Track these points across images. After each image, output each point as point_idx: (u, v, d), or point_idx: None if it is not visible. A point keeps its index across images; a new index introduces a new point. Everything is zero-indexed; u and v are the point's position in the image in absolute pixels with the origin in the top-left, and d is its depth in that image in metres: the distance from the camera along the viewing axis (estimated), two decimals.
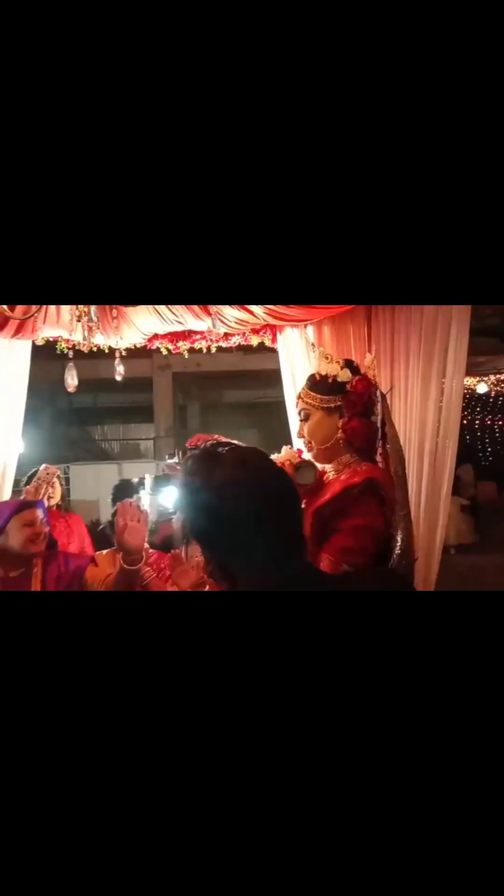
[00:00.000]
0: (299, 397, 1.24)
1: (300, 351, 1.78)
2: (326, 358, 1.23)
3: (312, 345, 1.53)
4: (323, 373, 1.21)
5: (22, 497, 1.68)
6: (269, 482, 0.57)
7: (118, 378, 1.83)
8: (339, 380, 1.19)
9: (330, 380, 1.19)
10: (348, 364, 1.22)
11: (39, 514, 1.36)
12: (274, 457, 1.23)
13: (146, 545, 1.36)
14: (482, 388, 6.16)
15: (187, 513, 0.59)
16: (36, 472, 1.83)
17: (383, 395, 1.20)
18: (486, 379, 6.09)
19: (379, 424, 1.18)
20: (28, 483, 1.76)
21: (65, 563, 1.44)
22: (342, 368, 1.20)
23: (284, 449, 1.25)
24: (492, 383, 6.22)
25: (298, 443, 1.29)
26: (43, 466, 1.78)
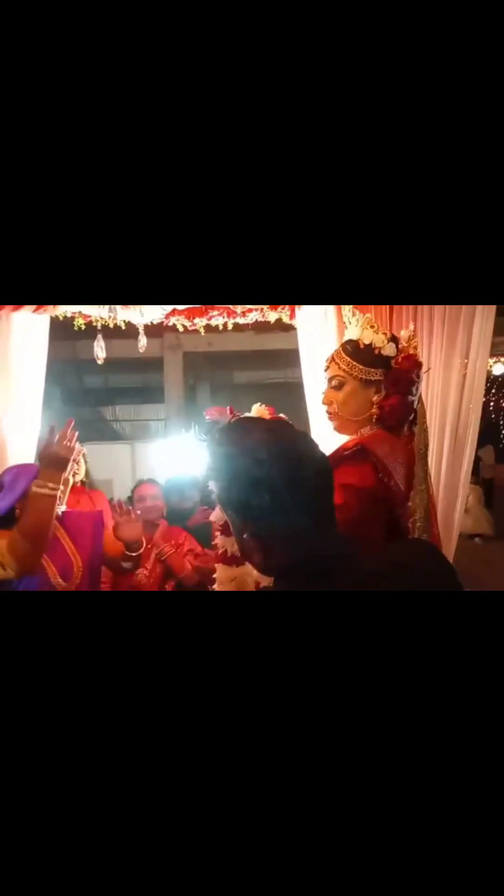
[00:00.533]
0: (333, 361, 1.16)
1: (319, 329, 1.74)
2: (372, 327, 1.15)
3: (353, 311, 1.45)
4: (367, 342, 1.13)
5: None
6: (300, 449, 0.58)
7: (141, 350, 1.81)
8: (384, 353, 1.12)
9: (376, 351, 1.12)
10: (392, 337, 1.16)
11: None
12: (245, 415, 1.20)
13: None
14: (499, 370, 6.02)
15: (220, 481, 0.59)
16: None
17: (422, 374, 1.16)
18: (503, 360, 5.94)
19: (416, 405, 1.15)
20: None
21: (80, 518, 1.48)
22: (389, 341, 1.13)
23: (255, 407, 1.16)
24: None
25: (319, 411, 1.24)
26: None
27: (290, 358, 1.88)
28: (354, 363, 1.12)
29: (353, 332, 1.18)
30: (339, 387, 1.14)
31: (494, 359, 5.78)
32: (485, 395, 1.84)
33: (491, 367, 5.82)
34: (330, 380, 1.17)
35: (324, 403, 1.18)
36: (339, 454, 1.06)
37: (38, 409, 1.80)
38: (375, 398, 1.12)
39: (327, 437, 1.25)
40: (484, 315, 1.60)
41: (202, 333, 2.02)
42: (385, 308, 1.67)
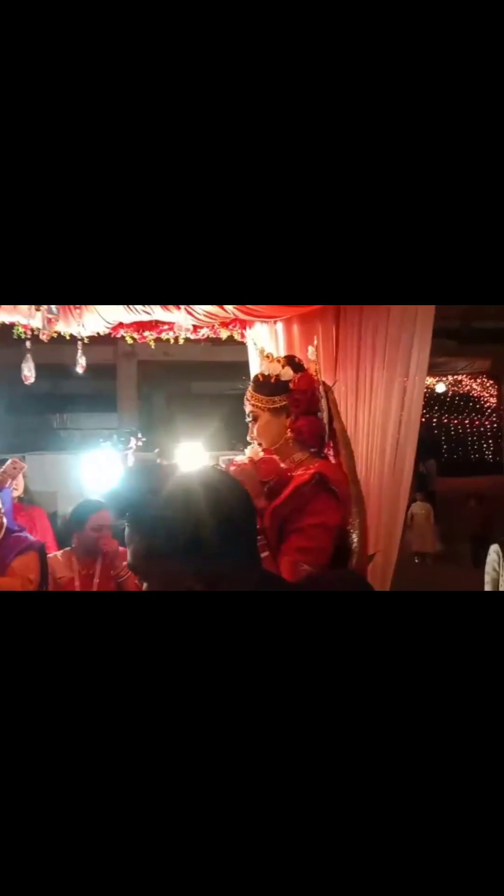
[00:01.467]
0: (246, 399, 1.23)
1: (269, 346, 1.79)
2: (268, 357, 1.23)
3: (254, 343, 1.52)
4: (266, 373, 1.20)
5: None
6: (218, 496, 0.57)
7: (80, 370, 1.77)
8: (282, 378, 1.18)
9: (273, 379, 1.18)
10: (290, 361, 1.22)
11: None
12: (239, 458, 1.23)
13: None
14: (440, 388, 6.42)
15: (135, 543, 0.58)
16: None
17: (328, 389, 1.20)
18: (444, 379, 6.35)
19: (326, 420, 1.19)
20: None
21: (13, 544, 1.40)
22: (283, 367, 1.19)
23: (249, 448, 1.22)
24: (449, 384, 6.50)
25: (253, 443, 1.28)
26: (10, 460, 1.70)
27: (247, 371, 1.90)
28: (259, 396, 1.19)
29: (256, 366, 1.26)
30: (255, 420, 1.20)
31: (437, 378, 6.16)
32: (427, 412, 1.94)
33: (434, 386, 6.20)
34: (248, 416, 1.24)
35: (250, 439, 1.24)
36: (300, 489, 1.05)
37: None
38: (287, 422, 1.18)
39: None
40: (421, 336, 1.71)
41: (152, 346, 2.00)
42: (332, 327, 1.75)
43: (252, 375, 1.25)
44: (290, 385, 1.18)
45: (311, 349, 1.26)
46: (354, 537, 1.13)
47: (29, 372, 1.63)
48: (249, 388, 1.22)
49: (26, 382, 1.65)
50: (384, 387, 1.70)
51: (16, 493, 1.86)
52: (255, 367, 1.80)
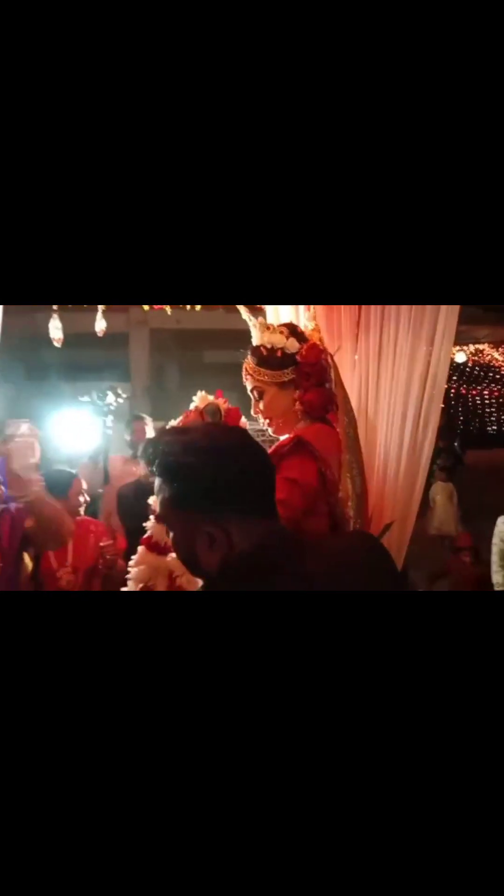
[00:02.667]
0: (247, 373, 1.17)
1: (288, 309, 1.72)
2: (268, 328, 1.16)
3: (249, 315, 1.46)
4: (269, 345, 1.14)
5: None
6: (238, 445, 0.62)
7: (99, 334, 1.73)
8: (288, 351, 1.13)
9: (278, 353, 1.13)
10: (293, 331, 1.16)
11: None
12: (191, 406, 1.21)
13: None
14: (461, 357, 6.23)
15: (170, 481, 0.62)
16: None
17: (331, 357, 1.18)
18: (464, 348, 6.15)
19: (334, 388, 1.17)
20: None
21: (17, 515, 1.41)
22: (288, 338, 1.13)
23: (199, 395, 1.19)
24: (470, 353, 6.30)
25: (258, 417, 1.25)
26: (19, 422, 1.68)
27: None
28: (264, 370, 1.13)
29: (255, 338, 1.18)
30: (260, 396, 1.15)
31: (457, 347, 5.97)
32: (447, 383, 1.88)
33: (454, 355, 6.00)
34: (251, 391, 1.18)
35: (255, 414, 1.20)
36: (279, 451, 1.08)
37: None
38: (296, 395, 1.13)
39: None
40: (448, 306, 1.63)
41: (168, 312, 1.95)
42: None
43: (249, 349, 1.18)
44: (298, 357, 1.13)
45: (304, 316, 1.20)
46: (350, 504, 1.13)
47: (57, 332, 1.58)
48: (250, 363, 1.16)
49: (56, 344, 1.60)
50: (408, 354, 1.64)
51: (33, 461, 1.86)
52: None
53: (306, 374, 1.13)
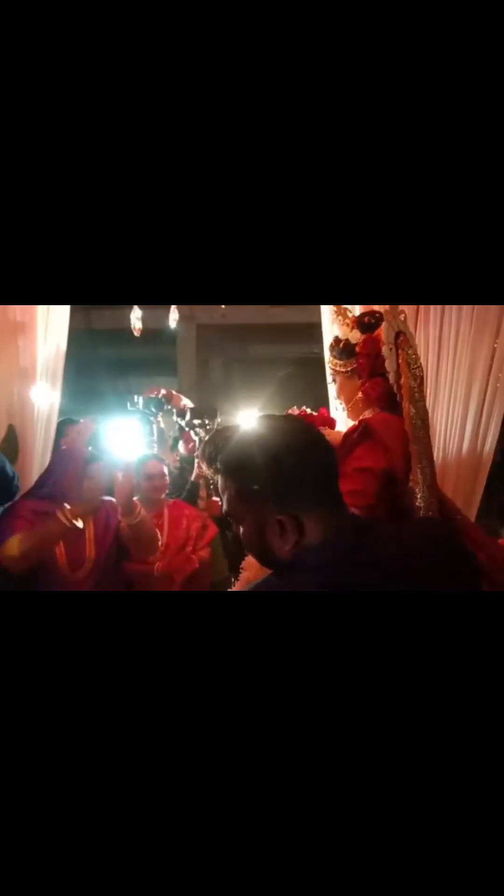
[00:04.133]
0: (329, 363, 1.30)
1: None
2: (340, 317, 1.24)
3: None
4: (339, 336, 1.23)
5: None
6: (304, 438, 0.62)
7: (136, 334, 1.79)
8: (351, 342, 1.21)
9: (342, 344, 1.22)
10: (359, 322, 1.21)
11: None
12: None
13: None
14: None
15: (229, 489, 0.64)
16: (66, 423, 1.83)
17: (399, 342, 1.16)
18: None
19: (394, 379, 1.16)
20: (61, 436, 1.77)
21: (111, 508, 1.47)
22: (352, 329, 1.20)
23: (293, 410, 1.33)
24: None
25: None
26: (82, 420, 1.78)
27: (308, 332, 1.84)
28: (334, 360, 1.25)
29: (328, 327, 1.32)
30: (335, 382, 1.27)
31: None
32: None
33: None
34: (330, 377, 1.31)
35: (336, 398, 1.32)
36: (348, 438, 1.12)
37: (60, 377, 1.80)
38: (358, 384, 1.22)
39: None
40: None
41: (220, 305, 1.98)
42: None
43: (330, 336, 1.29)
44: (357, 349, 1.20)
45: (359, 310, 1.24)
46: (419, 494, 1.11)
47: (137, 322, 1.66)
48: (330, 353, 1.29)
49: (136, 334, 1.68)
50: (470, 343, 1.57)
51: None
52: (328, 330, 1.74)
53: (361, 365, 1.20)
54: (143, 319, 1.73)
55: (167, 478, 1.90)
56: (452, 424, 1.58)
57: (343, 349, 1.24)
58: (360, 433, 1.12)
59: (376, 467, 1.07)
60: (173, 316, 1.75)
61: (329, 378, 1.31)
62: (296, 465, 0.60)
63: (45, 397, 1.75)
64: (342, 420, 1.39)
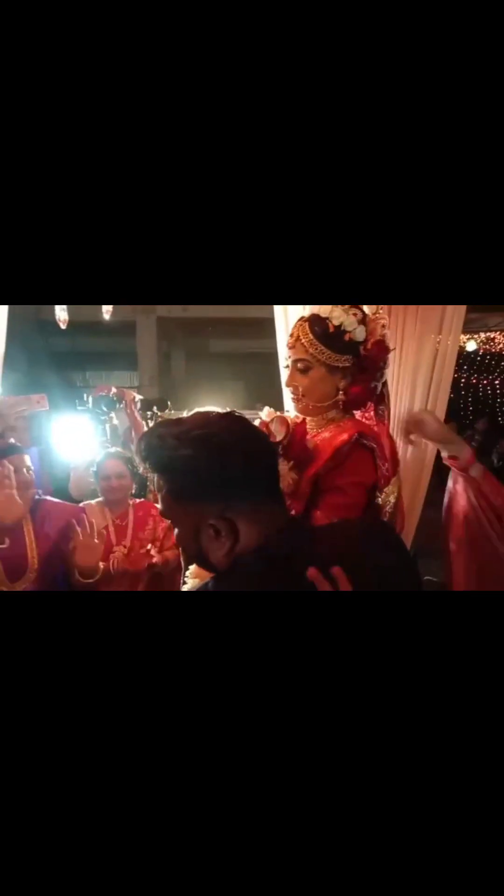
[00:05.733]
0: (299, 341, 1.06)
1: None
2: (345, 308, 1.06)
3: None
4: (337, 323, 1.04)
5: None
6: (239, 436, 0.59)
7: (106, 316, 1.71)
8: (355, 338, 1.04)
9: (346, 336, 1.04)
10: (364, 319, 1.07)
11: (25, 460, 1.30)
12: (257, 420, 1.18)
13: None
14: (471, 346, 6.12)
15: (163, 488, 0.60)
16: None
17: (388, 359, 1.12)
18: (475, 337, 6.03)
19: (380, 388, 1.13)
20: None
21: (54, 511, 1.41)
22: (360, 324, 1.05)
23: (266, 410, 1.15)
24: (481, 341, 6.18)
25: (285, 392, 1.20)
26: (37, 395, 1.66)
27: (266, 327, 1.82)
28: (323, 348, 1.04)
29: (321, 309, 1.08)
30: (304, 371, 1.06)
31: (468, 336, 5.86)
32: (456, 372, 1.85)
33: (464, 343, 5.90)
34: (295, 361, 1.08)
35: (288, 385, 1.11)
36: (339, 450, 1.01)
37: None
38: (342, 384, 1.06)
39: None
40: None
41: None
42: None
43: (311, 315, 1.08)
44: (362, 350, 1.05)
45: (367, 309, 1.10)
46: (391, 499, 1.10)
47: (62, 313, 1.56)
48: (307, 333, 1.05)
49: (61, 326, 1.59)
50: (415, 343, 1.61)
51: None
52: (286, 321, 1.69)
53: (364, 368, 1.05)
54: (70, 311, 1.65)
55: (128, 477, 1.81)
56: (397, 419, 1.62)
57: (347, 343, 1.03)
58: (353, 443, 1.01)
59: (368, 481, 1.02)
60: (107, 308, 1.68)
61: (297, 366, 1.07)
62: (231, 465, 0.56)
63: None
64: (291, 412, 1.27)
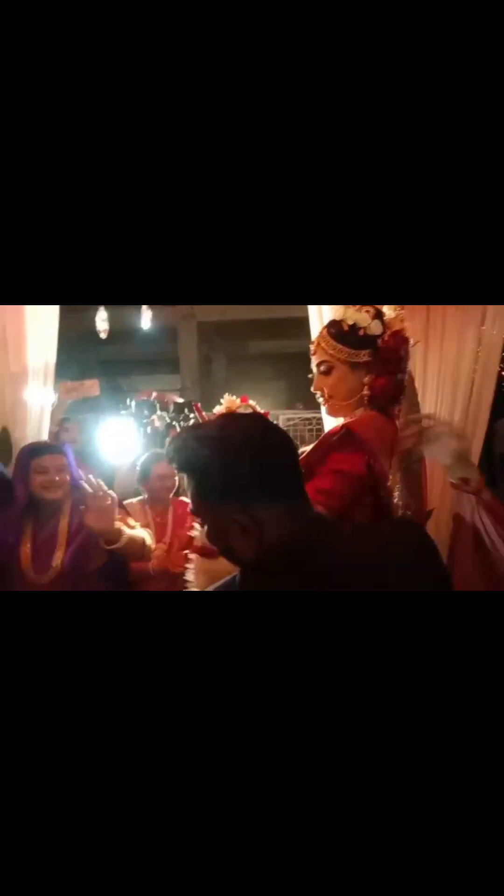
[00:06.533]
0: (319, 346, 1.13)
1: None
2: (354, 304, 1.11)
3: None
4: (351, 322, 1.10)
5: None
6: (261, 435, 0.62)
7: (146, 325, 1.79)
8: (370, 332, 1.09)
9: (360, 332, 1.08)
10: (378, 314, 1.11)
11: (61, 460, 1.33)
12: (217, 409, 1.23)
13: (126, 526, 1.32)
14: None
15: (197, 475, 0.63)
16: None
17: (409, 350, 1.12)
18: None
19: (406, 380, 1.12)
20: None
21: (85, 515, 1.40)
22: (373, 319, 1.09)
23: (225, 398, 1.21)
24: None
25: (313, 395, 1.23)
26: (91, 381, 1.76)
27: (303, 326, 1.82)
28: (341, 347, 1.09)
29: (336, 312, 1.14)
30: (328, 372, 1.11)
31: None
32: (501, 364, 1.77)
33: None
34: (318, 365, 1.14)
35: (314, 390, 1.16)
36: (327, 440, 1.05)
37: (51, 379, 1.82)
38: (366, 379, 1.09)
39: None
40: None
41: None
42: None
43: (328, 321, 1.15)
44: (379, 342, 1.09)
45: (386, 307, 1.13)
46: (396, 493, 1.08)
47: (103, 324, 1.65)
48: (326, 336, 1.12)
49: (101, 336, 1.68)
50: (457, 333, 1.55)
51: (75, 446, 1.95)
52: (321, 319, 1.71)
53: (384, 360, 1.08)
54: (111, 320, 1.73)
55: (174, 478, 1.89)
56: (440, 414, 1.57)
57: (362, 338, 1.07)
58: (340, 437, 1.03)
59: (352, 471, 1.01)
60: (146, 316, 1.75)
61: (320, 368, 1.13)
62: (255, 464, 0.59)
63: (36, 398, 1.78)
64: (323, 414, 1.31)
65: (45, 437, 1.84)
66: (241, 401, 1.22)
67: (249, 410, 1.21)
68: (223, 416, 0.67)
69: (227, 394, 1.24)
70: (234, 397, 1.24)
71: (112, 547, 1.29)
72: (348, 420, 1.10)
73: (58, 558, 1.33)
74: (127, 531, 1.34)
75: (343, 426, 1.06)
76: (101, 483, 1.30)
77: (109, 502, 1.27)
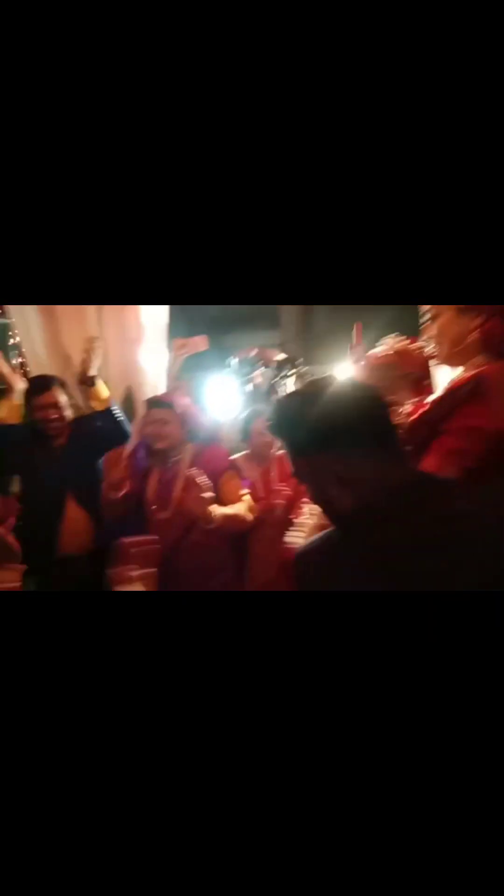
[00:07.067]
0: None
1: None
2: None
3: None
4: None
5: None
6: (350, 398, 0.65)
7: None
8: None
9: None
10: None
11: (167, 414, 1.47)
12: (380, 349, 1.21)
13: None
14: None
15: (290, 452, 0.68)
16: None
17: None
18: None
19: None
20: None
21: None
22: None
23: (388, 338, 1.17)
24: None
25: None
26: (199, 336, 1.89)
27: None
28: None
29: None
30: (434, 318, 1.04)
31: None
32: None
33: None
34: (426, 314, 1.08)
35: (424, 339, 1.12)
36: (454, 391, 0.96)
37: (164, 339, 1.98)
38: (475, 323, 0.99)
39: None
40: None
41: None
42: None
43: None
44: None
45: None
46: None
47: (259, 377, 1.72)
48: None
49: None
50: None
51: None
52: None
53: None
54: None
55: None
56: None
57: None
58: (471, 389, 0.94)
59: (487, 427, 0.91)
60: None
61: (425, 315, 1.07)
62: (345, 420, 0.62)
63: (153, 359, 1.96)
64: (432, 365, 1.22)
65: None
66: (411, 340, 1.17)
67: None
68: (315, 381, 0.71)
69: (388, 337, 1.20)
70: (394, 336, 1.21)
71: (209, 527, 1.41)
72: (478, 370, 0.99)
73: (176, 496, 1.51)
74: (219, 511, 1.44)
75: (474, 375, 0.96)
76: (205, 476, 1.41)
77: (206, 493, 1.37)
